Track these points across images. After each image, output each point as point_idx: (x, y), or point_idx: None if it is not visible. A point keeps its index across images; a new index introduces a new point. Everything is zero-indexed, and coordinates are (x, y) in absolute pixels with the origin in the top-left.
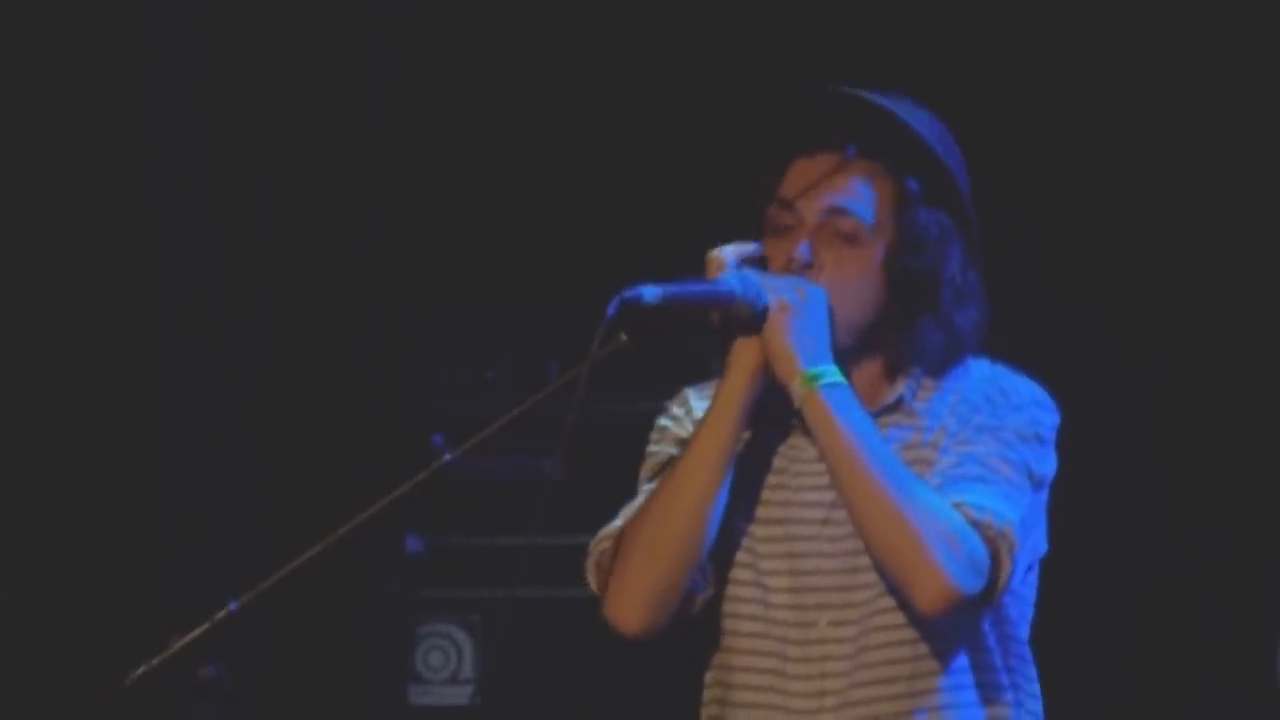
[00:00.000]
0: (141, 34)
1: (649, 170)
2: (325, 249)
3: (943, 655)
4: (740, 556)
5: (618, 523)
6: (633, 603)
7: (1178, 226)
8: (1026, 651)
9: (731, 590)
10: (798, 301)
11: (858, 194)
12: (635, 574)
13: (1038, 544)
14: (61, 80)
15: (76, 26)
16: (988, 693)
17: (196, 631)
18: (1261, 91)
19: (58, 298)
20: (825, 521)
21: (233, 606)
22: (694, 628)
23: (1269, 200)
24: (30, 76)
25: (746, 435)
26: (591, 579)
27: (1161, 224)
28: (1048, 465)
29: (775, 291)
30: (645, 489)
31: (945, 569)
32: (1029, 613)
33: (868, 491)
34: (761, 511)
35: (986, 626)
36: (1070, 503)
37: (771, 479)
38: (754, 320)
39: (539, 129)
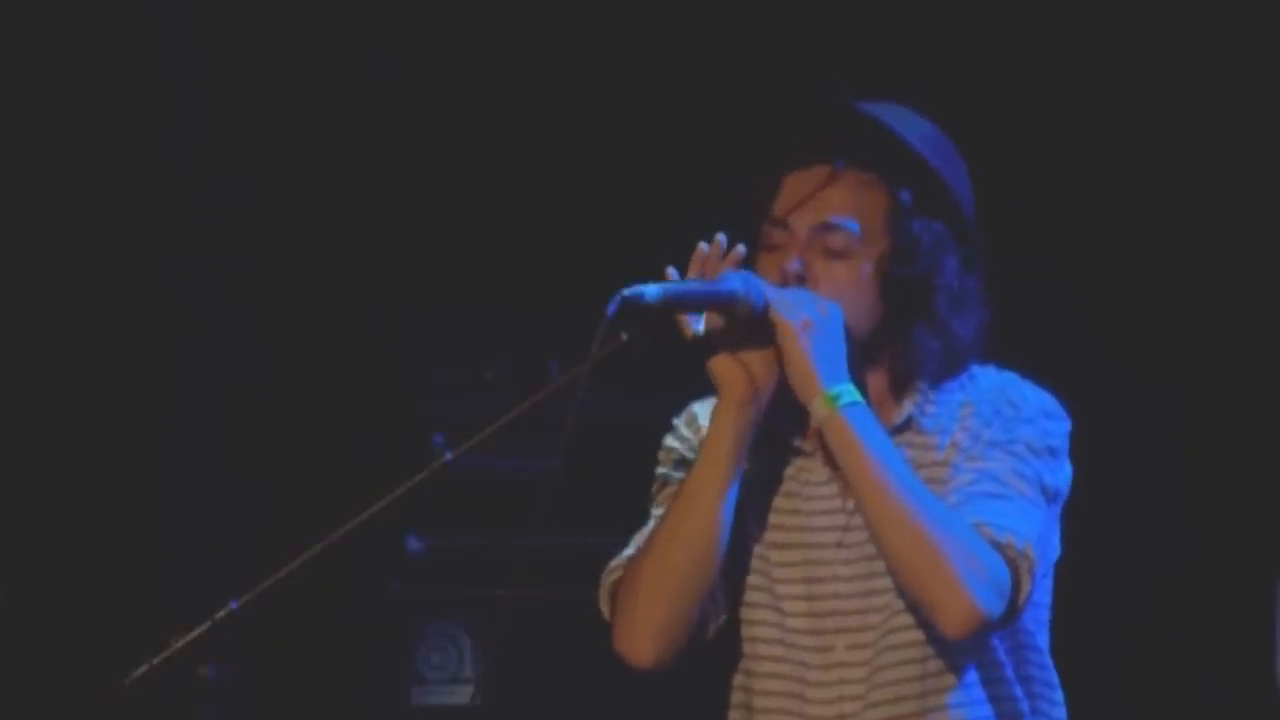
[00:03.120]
0: (140, 36)
1: (649, 171)
2: (325, 248)
3: (952, 671)
4: (755, 580)
5: (629, 551)
6: (643, 637)
7: (1189, 229)
8: (1046, 660)
9: (748, 614)
10: (820, 319)
11: (847, 208)
12: (643, 608)
13: (1050, 551)
14: (59, 82)
15: (76, 27)
16: (1001, 705)
17: (196, 631)
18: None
19: (58, 299)
20: (839, 545)
21: (233, 606)
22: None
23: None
24: (29, 77)
25: (752, 459)
26: (604, 609)
27: (1171, 226)
28: (1061, 477)
29: (796, 307)
30: (655, 514)
31: (971, 593)
32: (1045, 618)
33: (892, 514)
34: (775, 536)
35: (996, 639)
36: (1086, 508)
37: (782, 502)
38: (755, 321)
39: (539, 130)
